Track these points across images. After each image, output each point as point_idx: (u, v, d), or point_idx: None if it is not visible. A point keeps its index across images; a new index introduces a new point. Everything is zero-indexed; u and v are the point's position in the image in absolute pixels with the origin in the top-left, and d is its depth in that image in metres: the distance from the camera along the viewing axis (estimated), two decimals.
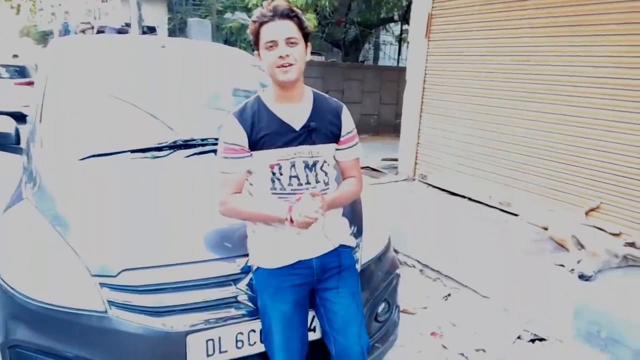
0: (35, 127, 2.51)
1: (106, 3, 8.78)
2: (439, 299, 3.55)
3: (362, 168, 6.74)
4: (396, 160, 6.39)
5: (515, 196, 4.63)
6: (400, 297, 3.40)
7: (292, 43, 1.65)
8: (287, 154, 1.72)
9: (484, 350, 2.89)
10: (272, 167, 1.73)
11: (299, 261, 1.79)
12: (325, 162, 1.80)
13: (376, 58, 17.47)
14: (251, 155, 1.73)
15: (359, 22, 13.22)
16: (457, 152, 5.30)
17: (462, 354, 2.87)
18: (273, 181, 1.74)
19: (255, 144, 1.72)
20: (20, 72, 12.14)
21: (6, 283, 1.79)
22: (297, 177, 1.75)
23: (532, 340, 3.00)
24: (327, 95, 1.89)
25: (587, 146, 3.98)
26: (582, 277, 3.15)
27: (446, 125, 5.42)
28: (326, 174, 1.82)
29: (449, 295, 3.59)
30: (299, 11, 1.70)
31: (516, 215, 4.53)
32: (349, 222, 2.03)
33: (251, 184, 1.80)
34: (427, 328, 3.12)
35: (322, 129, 1.78)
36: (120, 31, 8.51)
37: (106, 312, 1.71)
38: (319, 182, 1.79)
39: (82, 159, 2.29)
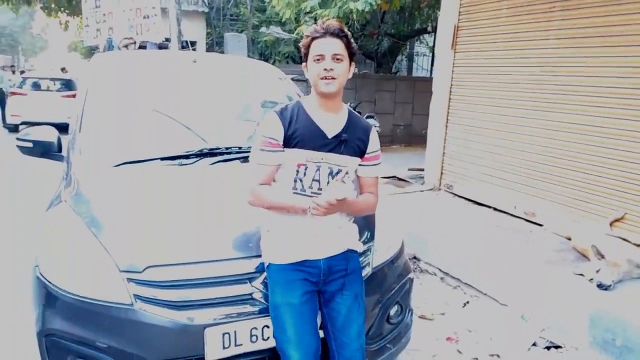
0: (75, 136, 2.72)
1: (148, 19, 9.19)
2: (458, 306, 3.59)
3: (390, 177, 6.74)
4: (423, 170, 6.44)
5: (540, 206, 4.62)
6: (420, 304, 3.49)
7: (337, 59, 1.81)
8: (315, 157, 1.86)
9: (498, 356, 2.93)
10: (299, 166, 1.87)
11: (307, 260, 1.92)
12: (347, 173, 1.93)
13: (410, 69, 17.49)
14: (284, 151, 1.88)
15: (393, 34, 13.32)
16: (482, 162, 5.32)
17: (477, 359, 2.92)
18: (296, 181, 1.89)
19: (288, 141, 1.86)
20: (67, 85, 12.86)
21: (44, 277, 1.98)
22: (318, 181, 1.89)
23: (548, 348, 3.02)
24: (359, 115, 2.04)
25: (611, 156, 3.97)
26: (600, 286, 3.14)
27: (472, 136, 5.46)
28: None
29: (468, 302, 3.63)
30: (348, 32, 1.86)
31: (541, 225, 4.53)
32: (362, 227, 2.14)
33: (274, 180, 1.95)
34: (444, 333, 3.18)
35: (351, 142, 1.92)
36: (161, 46, 8.91)
37: (132, 305, 1.87)
38: None
39: (116, 166, 2.49)
